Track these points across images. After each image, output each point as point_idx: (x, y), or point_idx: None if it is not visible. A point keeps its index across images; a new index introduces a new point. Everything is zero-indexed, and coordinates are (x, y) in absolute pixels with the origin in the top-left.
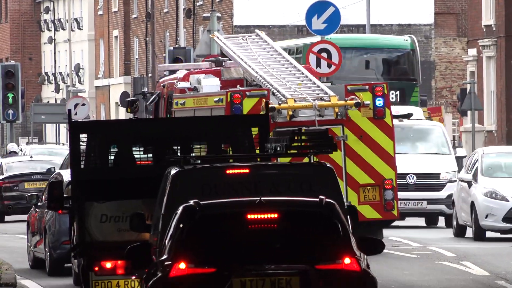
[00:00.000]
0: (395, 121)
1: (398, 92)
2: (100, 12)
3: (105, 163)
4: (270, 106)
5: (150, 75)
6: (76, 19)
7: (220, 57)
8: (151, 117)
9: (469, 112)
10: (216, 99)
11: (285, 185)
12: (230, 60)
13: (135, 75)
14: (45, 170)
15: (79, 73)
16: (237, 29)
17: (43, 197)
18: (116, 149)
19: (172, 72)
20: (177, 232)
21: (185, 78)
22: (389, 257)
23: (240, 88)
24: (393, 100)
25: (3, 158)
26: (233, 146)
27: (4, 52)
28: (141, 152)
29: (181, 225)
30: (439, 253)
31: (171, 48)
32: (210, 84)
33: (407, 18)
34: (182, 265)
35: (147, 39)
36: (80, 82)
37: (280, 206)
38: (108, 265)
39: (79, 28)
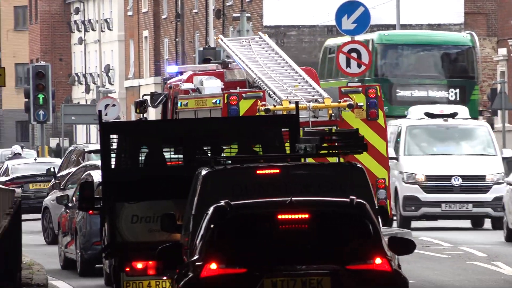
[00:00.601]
0: (440, 121)
1: (457, 90)
2: (130, 13)
3: (136, 163)
4: (265, 107)
5: None
6: (106, 20)
7: (226, 60)
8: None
9: (499, 112)
10: (214, 100)
11: (315, 186)
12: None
13: (165, 75)
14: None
15: (109, 74)
16: (267, 29)
17: (74, 197)
18: (146, 150)
19: (181, 73)
20: (208, 233)
21: (189, 79)
22: (420, 257)
23: (239, 90)
24: (452, 98)
25: (9, 160)
26: (263, 146)
27: (35, 53)
28: (172, 153)
29: (212, 226)
30: (470, 253)
31: (201, 48)
32: (212, 86)
33: (437, 18)
34: (213, 266)
35: (177, 39)
36: (110, 83)
37: (311, 206)
38: (139, 265)
39: (109, 28)
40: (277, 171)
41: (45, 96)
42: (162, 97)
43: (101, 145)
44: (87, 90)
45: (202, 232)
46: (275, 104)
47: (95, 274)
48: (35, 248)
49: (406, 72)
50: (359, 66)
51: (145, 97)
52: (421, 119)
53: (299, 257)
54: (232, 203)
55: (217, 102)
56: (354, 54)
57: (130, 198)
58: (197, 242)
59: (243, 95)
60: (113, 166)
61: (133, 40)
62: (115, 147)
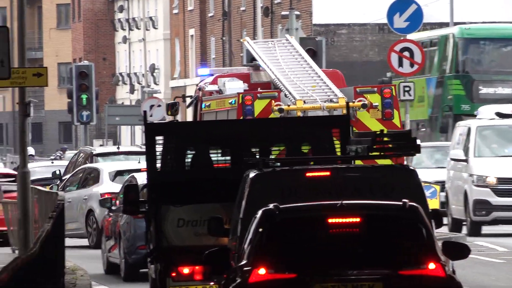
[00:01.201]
0: (504, 121)
1: None
2: (175, 11)
3: (182, 165)
4: (279, 107)
5: None
6: (151, 18)
7: (257, 62)
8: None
9: None
10: (230, 101)
11: (367, 188)
12: None
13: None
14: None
15: (154, 74)
16: (317, 27)
17: (117, 201)
18: (193, 151)
19: (212, 75)
20: (256, 237)
21: (214, 81)
22: (475, 262)
23: (259, 90)
24: None
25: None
26: (313, 148)
27: (78, 52)
28: (219, 155)
29: (260, 229)
30: None
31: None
32: (234, 87)
33: (491, 16)
34: (262, 271)
35: (224, 38)
36: (155, 83)
37: (362, 209)
38: (186, 270)
39: (154, 27)
40: (328, 173)
41: (88, 97)
42: (192, 99)
43: (146, 147)
44: (132, 90)
45: (250, 236)
46: (289, 104)
47: (139, 279)
48: (77, 252)
49: (489, 68)
50: (411, 65)
51: (176, 100)
52: (491, 119)
53: (350, 262)
54: (281, 206)
55: (233, 103)
56: (406, 53)
57: (176, 201)
58: (245, 246)
59: (258, 95)
60: (158, 168)
61: (179, 39)
62: (161, 149)
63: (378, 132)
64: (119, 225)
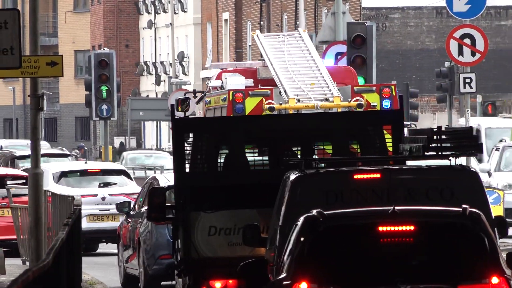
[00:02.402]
0: None
1: None
2: None
3: (214, 166)
4: (269, 106)
5: None
6: (179, 0)
7: None
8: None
9: None
10: (222, 97)
11: (422, 192)
12: None
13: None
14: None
15: (183, 63)
16: (366, 11)
17: (136, 205)
18: (226, 151)
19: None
20: (297, 247)
21: (218, 77)
22: None
23: (252, 87)
24: None
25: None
26: (361, 146)
27: (97, 38)
28: (256, 154)
29: (302, 239)
30: None
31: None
32: (234, 83)
33: None
34: (304, 285)
35: (262, 23)
36: (184, 73)
37: (416, 216)
38: (218, 284)
39: (183, 10)
40: (378, 175)
41: (109, 89)
42: (202, 94)
43: (174, 145)
44: (158, 82)
45: (290, 246)
46: (281, 102)
47: None
48: (96, 264)
49: None
50: (473, 54)
51: (187, 95)
52: None
53: (403, 275)
54: (325, 212)
55: (224, 100)
56: (467, 41)
57: (207, 206)
58: (285, 257)
59: (250, 92)
60: (187, 170)
61: (211, 24)
62: (190, 148)
63: (435, 129)
64: (138, 233)
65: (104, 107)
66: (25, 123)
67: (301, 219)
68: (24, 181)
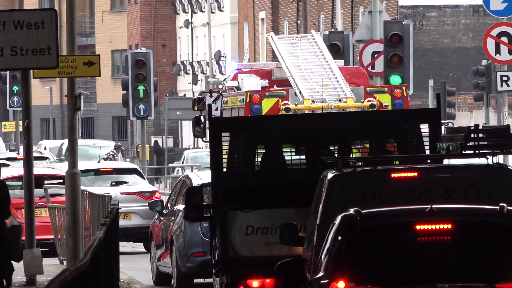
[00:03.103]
0: None
1: None
2: None
3: (251, 166)
4: (285, 106)
5: None
6: (216, 0)
7: None
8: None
9: None
10: (240, 98)
11: (460, 191)
12: None
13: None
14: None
15: (220, 62)
16: (403, 9)
17: (169, 204)
18: (263, 150)
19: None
20: (335, 246)
21: (235, 77)
22: None
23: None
24: None
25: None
26: (398, 145)
27: (134, 38)
28: (293, 153)
29: (339, 238)
30: None
31: (327, 32)
32: (250, 84)
33: None
34: (341, 284)
35: (299, 21)
36: (221, 72)
37: (454, 215)
38: (255, 284)
39: (220, 9)
40: (415, 174)
41: (146, 88)
42: (218, 94)
43: (211, 144)
44: (195, 81)
45: (328, 245)
46: (296, 103)
47: None
48: (133, 264)
49: None
50: (510, 52)
51: (203, 94)
52: None
53: (440, 274)
54: (363, 211)
55: (241, 101)
56: (504, 39)
57: (244, 205)
58: (322, 256)
59: (266, 93)
60: (224, 169)
61: (248, 23)
62: (227, 147)
63: (472, 128)
64: (171, 231)
65: (141, 106)
66: (62, 123)
67: (339, 218)
68: (62, 181)
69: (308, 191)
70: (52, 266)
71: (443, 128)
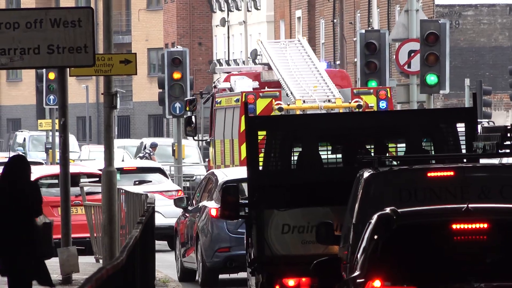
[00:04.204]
0: None
1: None
2: None
3: (288, 164)
4: (278, 106)
5: (338, 62)
6: None
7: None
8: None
9: None
10: (235, 99)
11: (496, 190)
12: None
13: (321, 62)
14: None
15: (256, 60)
16: (439, 8)
17: (194, 200)
18: (300, 148)
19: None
20: (371, 245)
21: (227, 79)
22: None
23: (254, 89)
24: None
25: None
26: (435, 144)
27: (170, 36)
28: (329, 152)
29: (375, 237)
30: None
31: (363, 31)
32: (242, 85)
33: None
34: (377, 283)
35: (335, 20)
36: None
37: (491, 214)
38: (291, 282)
39: (256, 8)
40: (452, 173)
41: (182, 86)
42: (209, 95)
43: (247, 143)
44: None
45: (364, 244)
46: (289, 103)
47: (218, 286)
48: (171, 263)
49: None
50: None
51: (195, 96)
52: None
53: (477, 273)
54: (399, 210)
55: (237, 101)
56: None
57: (280, 204)
58: (358, 255)
59: (260, 94)
60: (261, 167)
61: (284, 21)
62: (264, 146)
63: (508, 127)
64: (196, 227)
65: (177, 105)
66: (98, 121)
67: (375, 217)
68: (98, 179)
69: (344, 190)
70: (88, 265)
71: (479, 127)
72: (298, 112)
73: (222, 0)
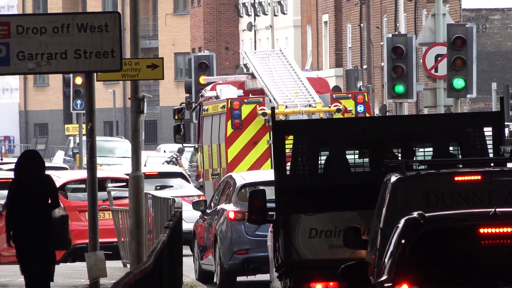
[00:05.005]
0: None
1: None
2: None
3: (315, 168)
4: (262, 111)
5: (365, 66)
6: (279, 2)
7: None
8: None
9: None
10: (221, 105)
11: None
12: None
13: (348, 66)
14: None
15: None
16: (466, 12)
17: (212, 203)
18: (327, 153)
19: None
20: (398, 249)
21: (213, 88)
22: None
23: (239, 96)
24: None
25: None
26: (462, 148)
27: (197, 41)
28: (356, 156)
29: (403, 241)
30: None
31: (390, 35)
32: (229, 93)
33: None
34: (405, 287)
35: (362, 24)
36: None
37: None
38: (319, 287)
39: (283, 12)
40: (479, 177)
41: None
42: (196, 104)
43: (274, 147)
44: None
45: (391, 248)
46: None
47: None
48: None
49: None
50: None
51: (182, 105)
52: None
53: (504, 277)
54: (426, 214)
55: (223, 107)
56: None
57: (308, 208)
58: (386, 260)
59: (245, 100)
60: (288, 172)
61: (311, 26)
62: (290, 150)
63: None
64: (214, 229)
65: None
66: (125, 125)
67: (402, 221)
68: (125, 183)
69: (371, 194)
70: (115, 269)
71: (506, 131)
72: (281, 117)
73: (249, 4)
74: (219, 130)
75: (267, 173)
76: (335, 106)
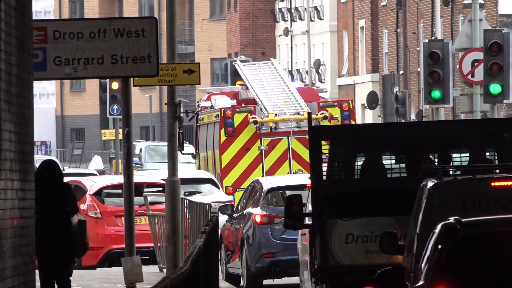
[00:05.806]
0: None
1: None
2: (343, 0)
3: (351, 174)
4: (253, 120)
5: (401, 72)
6: (316, 8)
7: None
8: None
9: None
10: (215, 114)
11: None
12: None
13: (384, 72)
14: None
15: (320, 70)
16: (503, 18)
17: (239, 207)
18: (363, 158)
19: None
20: (435, 254)
21: (208, 98)
22: None
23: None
24: None
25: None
26: (498, 153)
27: (234, 46)
28: (393, 162)
29: (439, 246)
30: None
31: (426, 40)
32: (222, 103)
33: None
34: None
35: (398, 30)
36: (320, 81)
37: None
38: None
39: (319, 18)
40: None
41: None
42: (193, 114)
43: (311, 152)
44: None
45: (428, 253)
46: (262, 117)
47: None
48: None
49: None
50: None
51: (181, 114)
52: None
53: None
54: (463, 220)
55: (216, 116)
56: None
57: (344, 214)
58: (422, 265)
59: (237, 109)
60: (324, 177)
61: (347, 31)
62: (327, 155)
63: None
64: (241, 233)
65: None
66: (161, 131)
67: (439, 226)
68: (161, 188)
69: (408, 200)
70: (151, 274)
71: None
72: (271, 124)
73: (285, 10)
74: (214, 137)
75: (293, 178)
76: (322, 113)
